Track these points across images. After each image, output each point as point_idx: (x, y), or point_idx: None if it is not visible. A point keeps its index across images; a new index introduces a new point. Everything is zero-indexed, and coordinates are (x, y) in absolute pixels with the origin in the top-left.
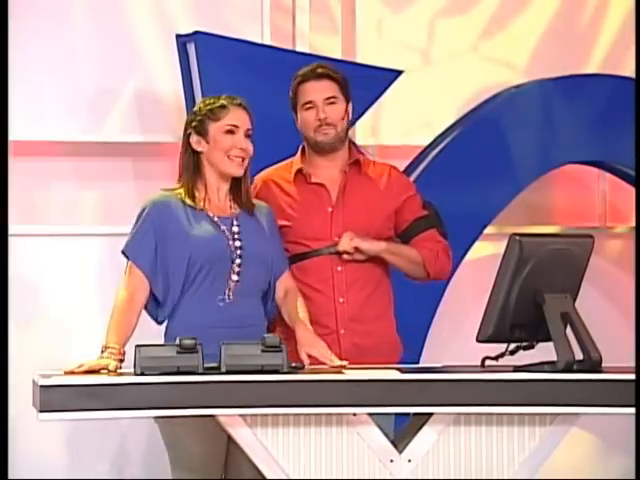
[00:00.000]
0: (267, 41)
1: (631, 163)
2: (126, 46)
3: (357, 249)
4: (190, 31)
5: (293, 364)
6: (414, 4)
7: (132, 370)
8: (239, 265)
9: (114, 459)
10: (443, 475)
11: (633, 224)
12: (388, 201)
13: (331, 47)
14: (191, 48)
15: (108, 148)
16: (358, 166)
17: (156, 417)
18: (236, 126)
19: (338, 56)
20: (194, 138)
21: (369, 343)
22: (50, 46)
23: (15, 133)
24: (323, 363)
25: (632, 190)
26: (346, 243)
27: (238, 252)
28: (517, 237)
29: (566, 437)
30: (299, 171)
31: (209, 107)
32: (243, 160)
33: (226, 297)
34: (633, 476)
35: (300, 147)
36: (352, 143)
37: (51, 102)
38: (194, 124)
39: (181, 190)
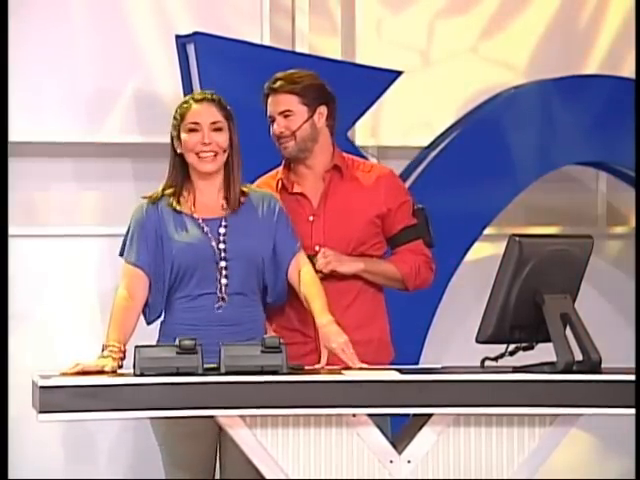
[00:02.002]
0: (267, 42)
1: (631, 164)
2: (126, 46)
3: (334, 272)
4: (190, 31)
5: (293, 365)
6: (414, 4)
7: (132, 371)
8: (225, 268)
9: (114, 459)
10: (443, 476)
11: (633, 225)
12: (372, 206)
13: (331, 48)
14: (191, 49)
15: (108, 149)
16: (339, 171)
17: (151, 417)
18: (197, 122)
19: (338, 57)
20: (175, 142)
21: None
22: (50, 46)
23: (15, 134)
24: (340, 362)
25: (632, 191)
26: (322, 265)
27: (223, 255)
28: (517, 238)
29: (566, 438)
30: (281, 181)
31: (178, 108)
32: (216, 155)
33: (220, 301)
34: (632, 477)
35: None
36: (333, 147)
37: (51, 103)
38: (173, 126)
39: (169, 191)
